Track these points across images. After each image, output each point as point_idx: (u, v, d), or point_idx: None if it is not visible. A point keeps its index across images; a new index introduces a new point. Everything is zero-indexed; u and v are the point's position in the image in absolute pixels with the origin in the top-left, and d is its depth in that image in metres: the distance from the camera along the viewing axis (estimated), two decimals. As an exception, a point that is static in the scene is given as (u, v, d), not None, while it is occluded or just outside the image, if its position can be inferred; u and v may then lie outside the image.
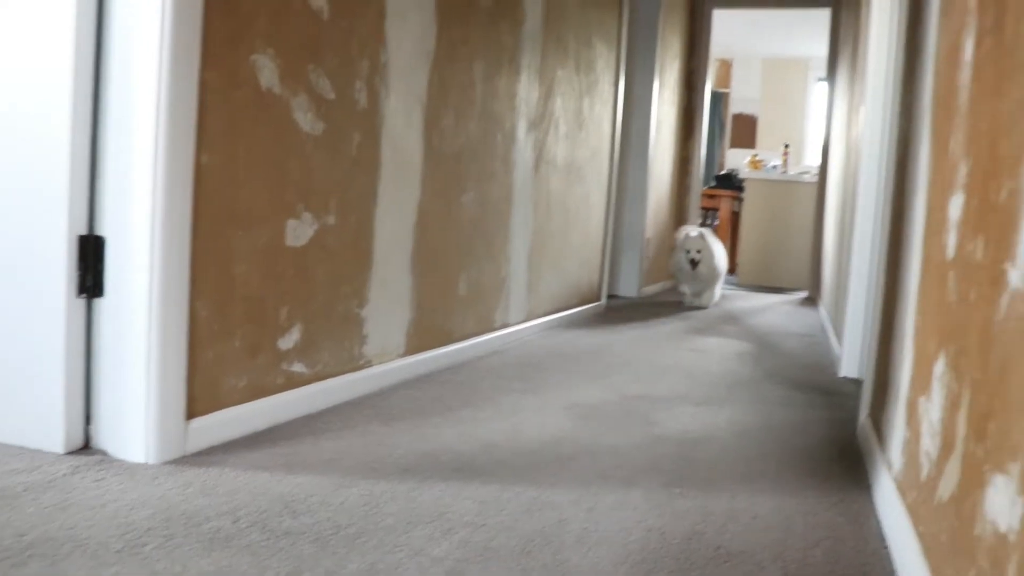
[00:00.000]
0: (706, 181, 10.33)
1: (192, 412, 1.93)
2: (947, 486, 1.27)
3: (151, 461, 1.82)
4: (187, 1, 1.78)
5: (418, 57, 2.80)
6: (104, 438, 1.87)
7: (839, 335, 3.92)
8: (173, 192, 1.79)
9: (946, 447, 1.31)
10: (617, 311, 5.41)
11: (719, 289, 6.20)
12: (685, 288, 5.95)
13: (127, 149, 1.79)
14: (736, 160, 11.33)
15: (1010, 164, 1.09)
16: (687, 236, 5.68)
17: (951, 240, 1.44)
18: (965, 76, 1.46)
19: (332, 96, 2.35)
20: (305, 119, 2.25)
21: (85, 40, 1.78)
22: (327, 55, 2.31)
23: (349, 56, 2.42)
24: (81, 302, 1.84)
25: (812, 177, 8.32)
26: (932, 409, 1.45)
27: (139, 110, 1.77)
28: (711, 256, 5.71)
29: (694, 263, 5.62)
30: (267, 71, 2.08)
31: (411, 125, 2.79)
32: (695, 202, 7.82)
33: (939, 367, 1.43)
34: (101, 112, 1.82)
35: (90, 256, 1.82)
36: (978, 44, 1.38)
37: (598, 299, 5.32)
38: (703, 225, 9.56)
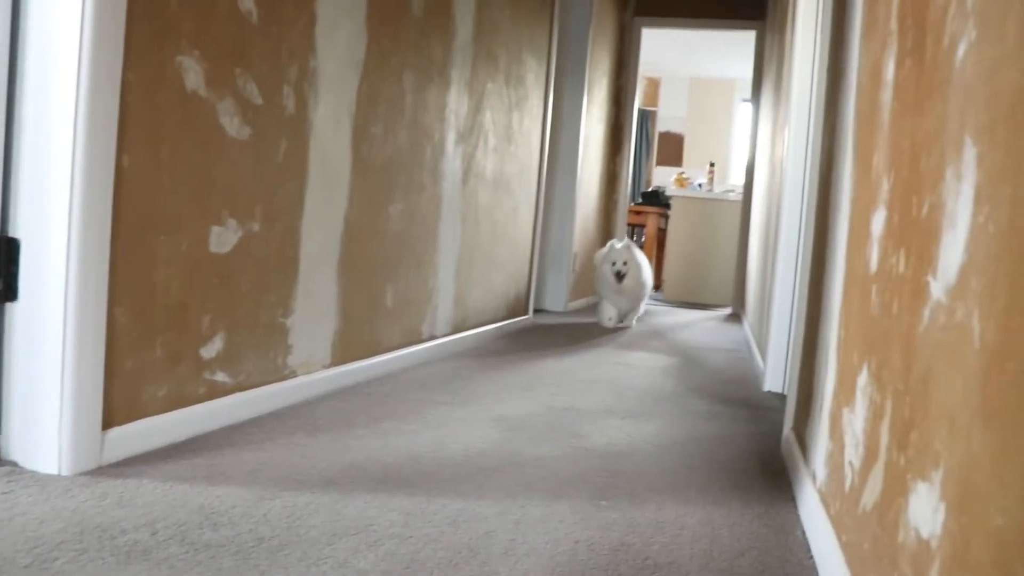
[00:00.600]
0: (633, 198, 10.46)
1: (109, 422, 1.86)
2: (870, 495, 1.29)
3: (65, 472, 1.75)
4: (110, -1, 1.73)
5: (348, 66, 2.77)
6: (14, 448, 1.79)
7: (763, 350, 3.98)
8: (92, 194, 1.74)
9: (869, 457, 1.33)
10: (544, 325, 5.43)
11: (643, 306, 5.97)
12: (608, 308, 5.63)
13: (44, 149, 1.72)
14: (663, 178, 11.49)
15: (931, 180, 1.12)
16: (612, 248, 5.42)
17: (874, 254, 1.46)
18: (887, 95, 1.50)
19: (259, 101, 2.31)
20: (231, 124, 2.20)
21: None
22: (255, 60, 2.27)
23: (278, 61, 2.38)
24: (-8, 307, 1.77)
25: (737, 195, 8.48)
26: (855, 420, 1.47)
27: (57, 109, 1.71)
28: (638, 269, 5.46)
29: (620, 276, 5.34)
30: (193, 73, 2.04)
31: (340, 134, 2.76)
32: (622, 218, 7.90)
33: (862, 378, 1.46)
34: (16, 110, 1.75)
35: (3, 259, 1.75)
36: (899, 64, 1.41)
37: (526, 313, 5.32)
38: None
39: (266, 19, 2.30)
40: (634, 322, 5.83)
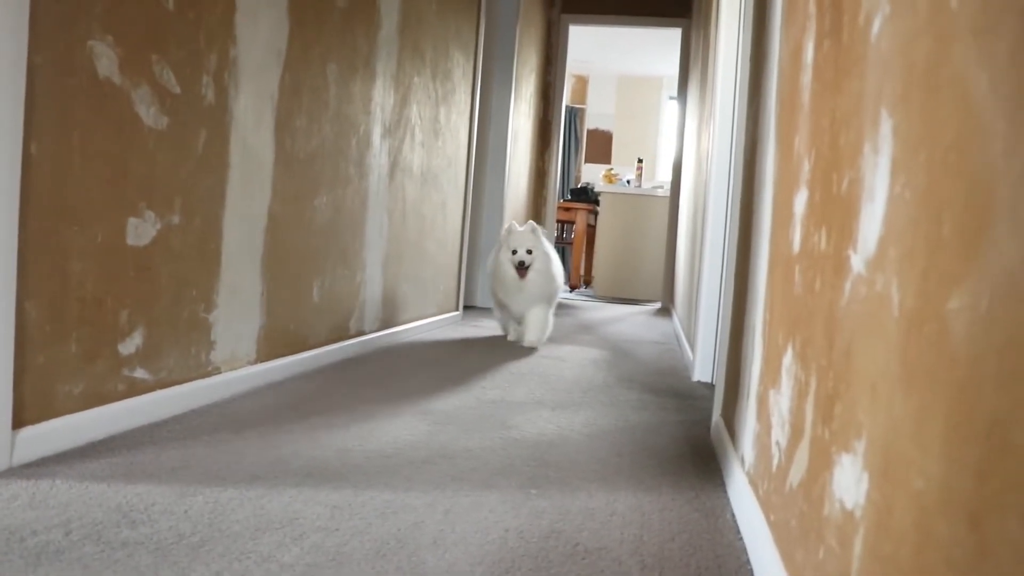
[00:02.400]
0: (562, 194, 10.49)
1: (20, 421, 1.79)
2: (797, 472, 1.30)
3: (-28, 474, 1.68)
4: (15, -20, 1.66)
5: (269, 55, 2.72)
6: (-83, 450, 1.71)
7: (692, 342, 4.02)
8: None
9: (795, 435, 1.34)
10: (474, 320, 5.41)
11: (551, 316, 4.45)
12: (508, 313, 4.48)
13: (-54, 136, 1.65)
14: (592, 174, 11.56)
15: (850, 155, 1.12)
16: (512, 230, 4.25)
17: (796, 234, 1.48)
18: (807, 77, 1.51)
19: (177, 90, 2.25)
20: (148, 113, 2.13)
21: (-102, 17, 1.63)
22: (172, 47, 2.21)
23: (196, 49, 2.32)
24: None
25: (665, 191, 8.57)
26: (781, 400, 1.48)
27: (-40, 95, 1.64)
28: (547, 261, 4.28)
29: (523, 266, 4.16)
30: (105, 59, 1.97)
31: (262, 125, 2.70)
32: (551, 214, 7.92)
33: (787, 359, 1.47)
34: (-84, 96, 1.67)
35: (-98, 252, 1.67)
36: (818, 46, 1.42)
37: (455, 308, 5.30)
38: (560, 239, 9.67)
39: (183, 4, 2.24)
40: (543, 338, 4.44)
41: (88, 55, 1.92)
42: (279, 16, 2.75)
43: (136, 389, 2.17)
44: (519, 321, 4.44)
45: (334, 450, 2.09)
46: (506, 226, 4.32)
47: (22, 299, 1.77)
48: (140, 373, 2.18)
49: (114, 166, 2.03)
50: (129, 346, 2.14)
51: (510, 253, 4.21)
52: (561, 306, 7.16)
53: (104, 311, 2.04)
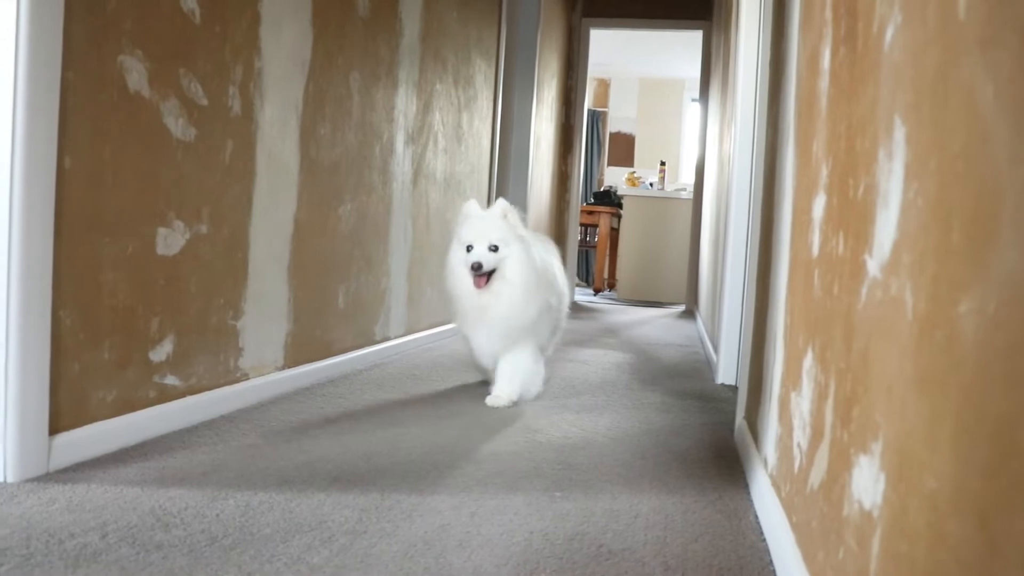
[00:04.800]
0: (585, 198, 10.51)
1: (56, 427, 1.83)
2: (817, 474, 1.32)
3: (10, 479, 1.72)
4: (48, -2, 1.71)
5: (294, 66, 2.76)
6: (-42, 456, 1.76)
7: (715, 344, 4.03)
8: (33, 196, 1.71)
9: (816, 437, 1.35)
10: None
11: (539, 360, 2.97)
12: (476, 350, 2.93)
13: (-17, 151, 1.69)
14: (614, 177, 11.57)
15: (866, 161, 1.14)
16: (469, 214, 2.83)
17: (815, 239, 1.49)
18: (824, 83, 1.53)
19: (205, 102, 2.29)
20: (176, 124, 2.18)
21: (-64, 36, 1.68)
22: (199, 60, 2.26)
23: (222, 61, 2.36)
24: (-68, 313, 1.73)
25: (688, 194, 8.56)
26: (802, 402, 1.50)
27: (-4, 110, 1.68)
28: (527, 262, 2.76)
29: (480, 271, 2.68)
30: (135, 73, 2.02)
31: (287, 134, 2.75)
32: (574, 218, 7.94)
33: (807, 361, 1.48)
34: (-46, 112, 1.72)
35: (-58, 264, 1.72)
36: (834, 52, 1.44)
37: (480, 313, 5.33)
38: (583, 242, 9.67)
39: (209, 18, 2.28)
40: (522, 392, 2.90)
41: (119, 70, 1.96)
42: (303, 27, 2.79)
43: (167, 395, 2.22)
44: (489, 368, 2.96)
45: (361, 454, 2.12)
46: (464, 208, 2.87)
47: (57, 308, 1.82)
48: (171, 380, 2.23)
49: (144, 177, 2.07)
50: (160, 353, 2.18)
51: (463, 251, 2.75)
52: (584, 310, 7.18)
53: (135, 319, 2.08)
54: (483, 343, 2.85)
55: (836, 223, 1.32)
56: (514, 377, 2.86)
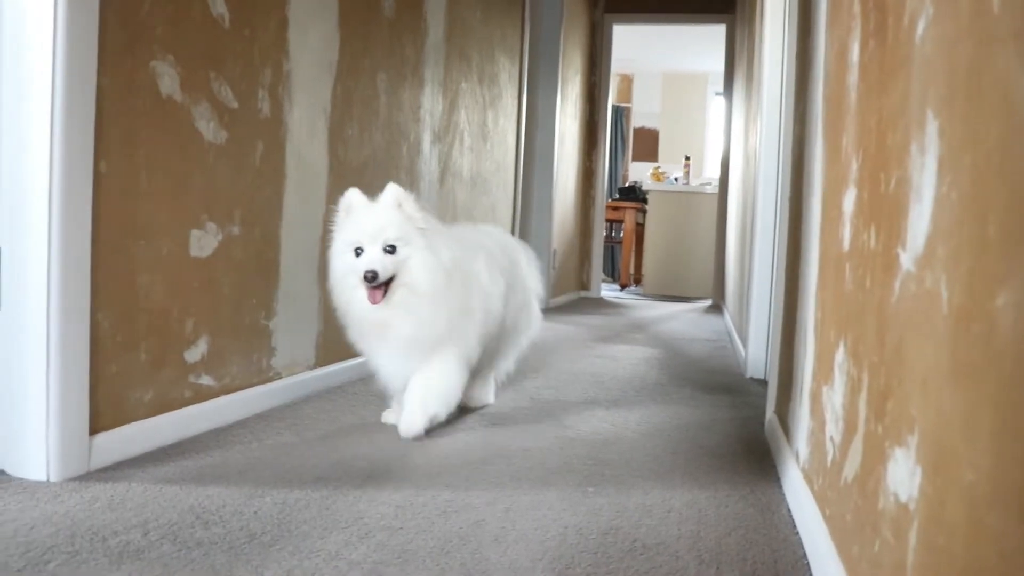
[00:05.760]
0: (610, 193, 10.49)
1: (96, 427, 1.87)
2: (851, 467, 1.32)
3: (53, 479, 1.76)
4: (82, 4, 1.74)
5: (321, 68, 2.78)
6: (1, 456, 1.79)
7: (744, 339, 4.02)
8: (71, 201, 1.74)
9: (849, 430, 1.36)
10: (526, 322, 5.44)
11: (461, 372, 2.35)
12: (386, 380, 2.37)
13: (20, 156, 1.73)
14: (639, 173, 11.54)
15: (897, 155, 1.14)
16: (352, 207, 2.25)
17: (846, 233, 1.49)
18: (853, 77, 1.53)
19: (235, 105, 2.32)
20: (207, 128, 2.21)
21: (-26, 46, 1.72)
22: (229, 63, 2.28)
23: (251, 65, 2.39)
24: (-26, 316, 1.77)
25: (713, 188, 8.53)
26: (835, 396, 1.50)
27: (32, 116, 1.71)
28: (428, 264, 2.21)
29: (374, 281, 2.13)
30: (167, 78, 2.04)
31: (315, 136, 2.77)
32: (600, 213, 7.93)
33: (839, 355, 1.49)
34: (-7, 119, 1.75)
35: (-17, 268, 1.75)
36: (863, 46, 1.44)
37: (507, 310, 5.34)
38: (609, 238, 9.65)
39: (238, 22, 2.31)
40: (434, 413, 2.33)
41: (151, 75, 1.99)
42: (330, 29, 2.82)
43: (202, 395, 2.25)
44: (399, 391, 2.38)
45: (394, 451, 2.14)
46: (344, 199, 2.26)
47: (95, 311, 1.85)
48: (205, 380, 2.26)
49: (177, 181, 2.10)
50: (194, 354, 2.21)
51: (350, 255, 2.20)
52: (611, 305, 7.18)
53: (170, 321, 2.11)
54: (387, 366, 2.32)
55: (867, 217, 1.32)
56: (427, 397, 2.28)
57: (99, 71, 1.81)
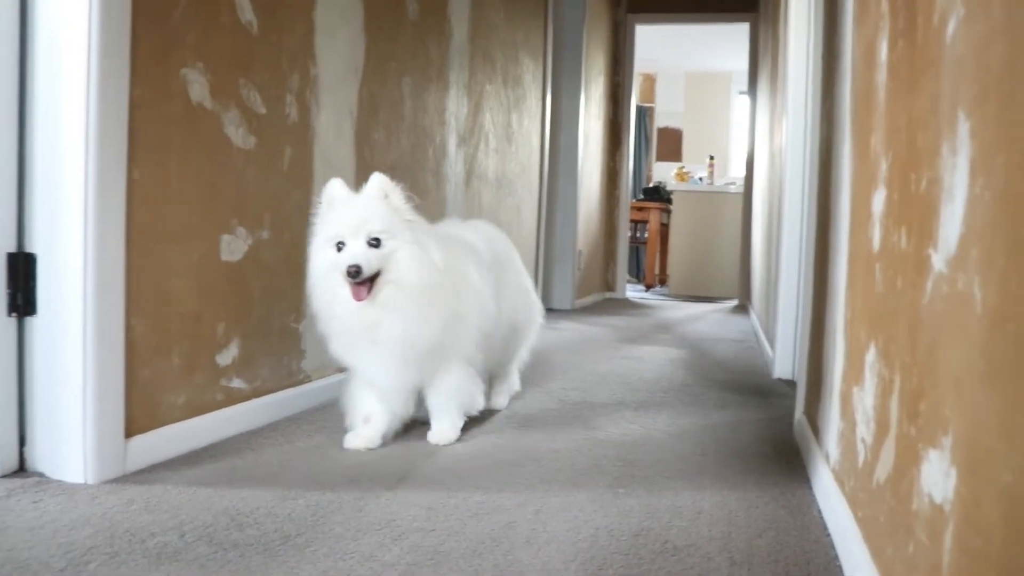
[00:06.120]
0: (634, 194, 10.48)
1: (131, 430, 1.89)
2: (883, 469, 1.32)
3: (90, 481, 1.78)
4: (114, 14, 1.76)
5: (347, 72, 2.80)
6: (40, 460, 1.82)
7: (771, 339, 4.01)
8: (105, 208, 1.77)
9: (881, 431, 1.35)
10: (551, 323, 5.45)
11: (476, 381, 2.35)
12: (361, 401, 2.24)
13: (56, 165, 1.76)
14: (663, 173, 11.52)
15: (928, 155, 1.14)
16: (334, 198, 2.12)
17: (876, 233, 1.49)
18: (881, 76, 1.52)
19: (263, 110, 2.34)
20: (237, 133, 2.23)
21: (7, 56, 1.75)
22: (257, 69, 2.31)
23: (279, 70, 2.41)
24: (12, 321, 1.80)
25: (738, 188, 8.50)
26: (865, 397, 1.50)
27: (67, 125, 1.74)
28: (417, 257, 2.08)
29: (358, 276, 1.98)
30: (197, 85, 2.07)
31: (342, 139, 2.79)
32: (624, 214, 7.93)
33: (870, 356, 1.48)
34: (27, 128, 1.78)
35: (20, 274, 1.78)
36: (892, 45, 1.44)
37: (533, 312, 5.35)
38: (634, 239, 9.63)
39: (266, 29, 2.33)
40: (471, 410, 2.37)
41: (182, 82, 2.02)
42: (355, 34, 2.84)
43: (233, 398, 2.27)
44: (388, 406, 2.22)
45: (424, 453, 2.15)
46: (326, 191, 2.13)
47: (129, 316, 1.88)
48: (237, 383, 2.28)
49: (207, 186, 2.13)
50: (226, 357, 2.23)
51: (332, 250, 2.05)
52: (636, 306, 7.17)
53: (202, 325, 2.14)
54: (382, 376, 2.15)
55: (897, 217, 1.32)
56: (449, 404, 2.28)
57: (131, 79, 1.84)
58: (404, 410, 2.26)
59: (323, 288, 2.08)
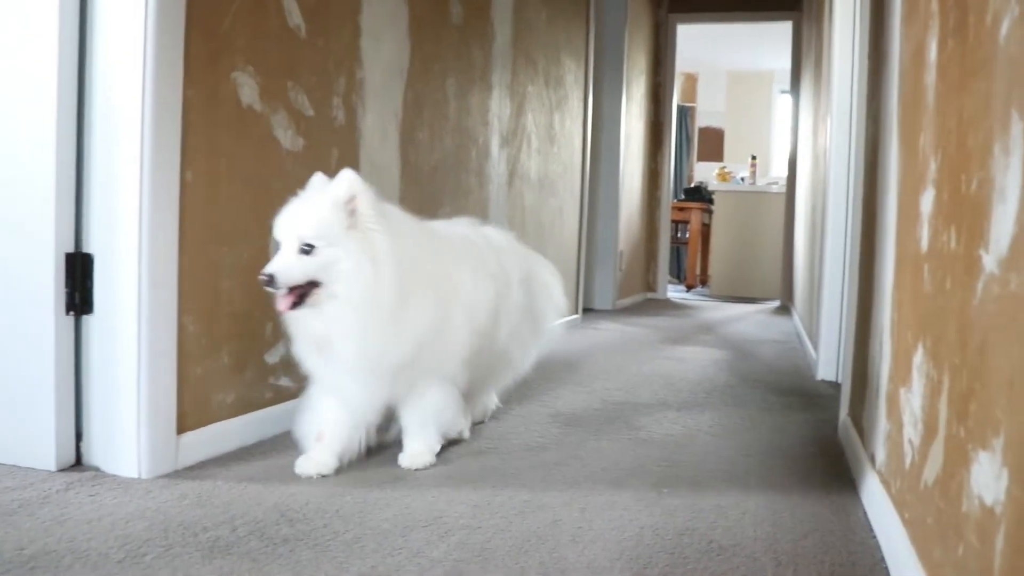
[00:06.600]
0: (676, 194, 10.43)
1: (183, 427, 1.94)
2: (932, 470, 1.31)
3: (144, 476, 1.83)
4: (168, 20, 1.81)
5: (393, 74, 2.83)
6: (96, 454, 1.87)
7: (814, 340, 3.98)
8: (159, 209, 1.81)
9: (929, 433, 1.35)
10: (593, 323, 5.45)
11: (455, 398, 2.13)
12: (322, 415, 1.98)
13: (112, 168, 1.80)
14: (704, 173, 11.45)
15: (979, 155, 1.14)
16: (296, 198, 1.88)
17: (924, 234, 1.48)
18: (931, 77, 1.52)
19: (311, 113, 2.38)
20: (285, 136, 2.27)
21: (68, 62, 1.80)
22: (305, 72, 2.34)
23: (326, 73, 2.45)
24: (70, 320, 1.85)
25: (780, 188, 8.43)
26: (913, 398, 1.49)
27: (123, 129, 1.79)
28: (362, 270, 1.81)
29: (270, 284, 1.77)
30: (247, 88, 2.11)
31: (387, 141, 2.82)
32: (666, 214, 7.90)
33: (918, 357, 1.48)
34: (85, 132, 1.83)
35: (78, 274, 1.83)
36: (942, 45, 1.43)
37: (575, 312, 5.35)
38: (675, 239, 9.60)
39: (313, 32, 2.37)
40: (450, 431, 2.18)
41: (232, 86, 2.05)
42: (400, 36, 2.87)
43: (281, 396, 2.31)
44: (360, 425, 2.01)
45: (469, 451, 2.17)
46: (308, 185, 1.93)
47: (181, 315, 1.92)
48: (284, 381, 2.32)
49: (257, 188, 2.17)
50: (274, 356, 2.27)
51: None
52: (678, 307, 7.14)
53: (251, 324, 2.17)
54: (347, 392, 1.96)
55: (947, 218, 1.31)
56: (426, 423, 2.06)
57: (184, 83, 1.88)
58: (368, 428, 2.03)
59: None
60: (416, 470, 2.00)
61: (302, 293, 1.80)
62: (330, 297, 1.81)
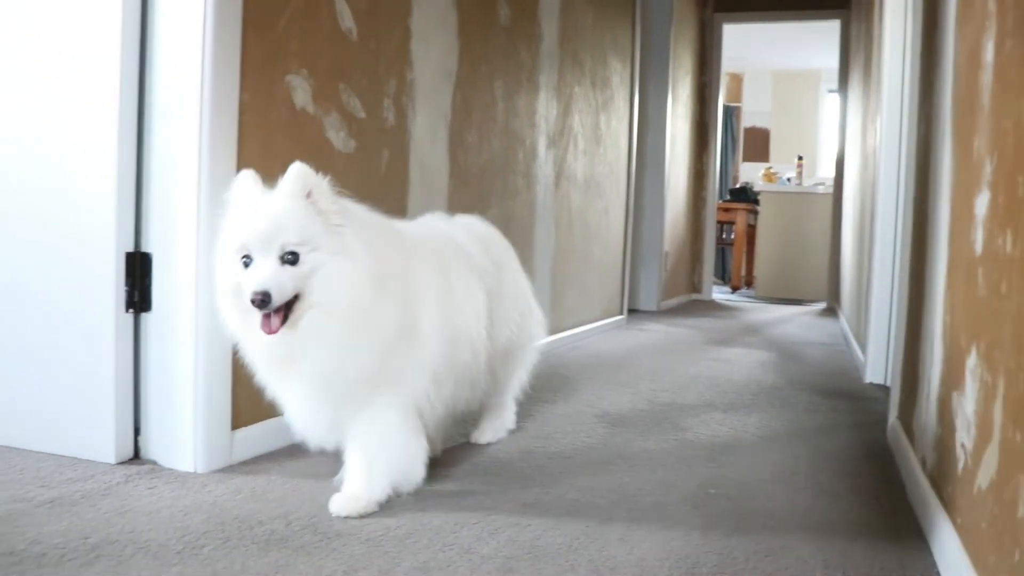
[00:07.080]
0: (721, 195, 10.36)
1: (237, 423, 1.98)
2: (985, 475, 1.31)
3: (200, 470, 1.87)
4: (226, 25, 1.85)
5: (442, 76, 2.86)
6: (153, 448, 1.92)
7: (862, 343, 3.94)
8: (216, 209, 1.85)
9: (983, 437, 1.34)
10: (638, 324, 5.44)
11: (414, 438, 1.78)
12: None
13: (171, 169, 1.85)
14: (750, 173, 11.37)
15: (1038, 158, 1.13)
16: (240, 198, 1.62)
17: (979, 236, 1.47)
18: (987, 77, 1.50)
19: (362, 115, 2.41)
20: (338, 137, 2.30)
21: (129, 65, 1.85)
22: (356, 75, 2.37)
23: (377, 75, 2.48)
24: (129, 317, 1.90)
25: (827, 188, 8.35)
26: (966, 403, 1.48)
27: (182, 131, 1.84)
28: (346, 273, 1.59)
29: (265, 304, 1.50)
30: (301, 91, 2.14)
31: (437, 142, 2.85)
32: (711, 215, 7.86)
33: (971, 361, 1.47)
34: (146, 134, 1.88)
35: (137, 272, 1.88)
36: (999, 46, 1.42)
37: (620, 313, 5.35)
38: (720, 240, 9.55)
39: (365, 36, 2.40)
40: (406, 479, 1.78)
41: (286, 88, 2.09)
42: (449, 39, 2.89)
43: (332, 394, 2.33)
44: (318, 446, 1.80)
45: (517, 452, 2.19)
46: (235, 184, 1.65)
47: (236, 313, 1.95)
48: (335, 379, 2.35)
49: (310, 188, 2.20)
50: (325, 354, 2.30)
51: (238, 265, 1.58)
52: (723, 308, 7.10)
53: (303, 322, 2.20)
54: (299, 413, 1.73)
55: (1003, 221, 1.31)
56: (372, 464, 1.73)
57: (241, 86, 1.92)
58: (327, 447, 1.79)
59: (228, 311, 1.63)
60: (346, 517, 1.66)
61: (288, 305, 1.56)
62: (309, 308, 1.57)
